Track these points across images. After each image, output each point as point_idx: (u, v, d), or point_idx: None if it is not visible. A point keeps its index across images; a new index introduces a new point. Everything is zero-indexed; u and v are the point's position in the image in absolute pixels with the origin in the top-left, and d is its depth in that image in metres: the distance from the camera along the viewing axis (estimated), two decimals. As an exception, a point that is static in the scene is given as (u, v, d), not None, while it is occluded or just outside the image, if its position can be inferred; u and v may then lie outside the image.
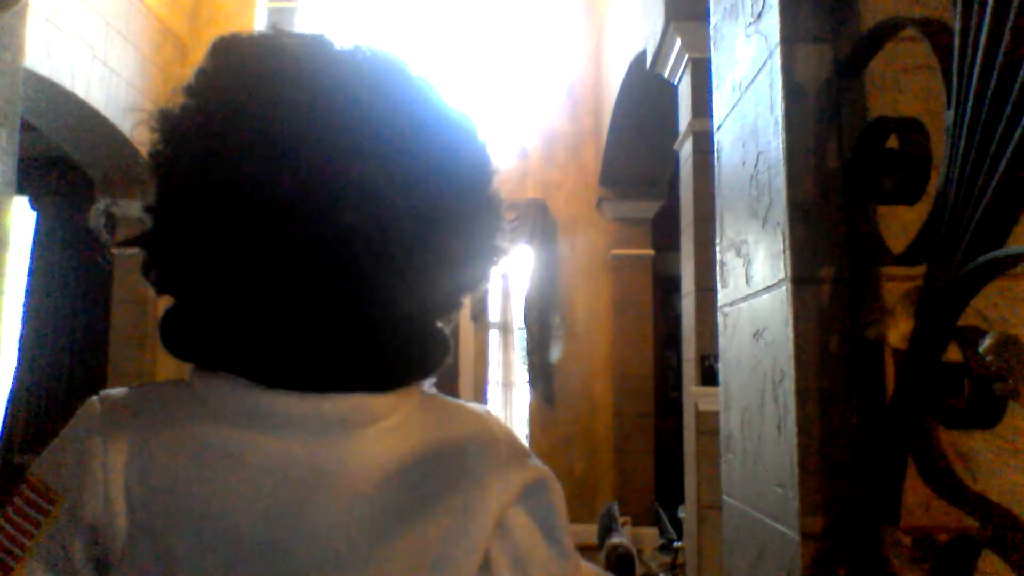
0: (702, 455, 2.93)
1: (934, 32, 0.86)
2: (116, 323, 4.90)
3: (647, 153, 4.89)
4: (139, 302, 4.78)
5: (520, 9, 5.65)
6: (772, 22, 1.06)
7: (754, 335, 1.14)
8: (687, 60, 3.03)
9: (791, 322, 0.98)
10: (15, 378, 5.05)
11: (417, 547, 0.55)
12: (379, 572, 0.54)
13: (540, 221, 5.37)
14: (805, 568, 0.94)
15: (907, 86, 0.98)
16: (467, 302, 0.65)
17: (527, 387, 5.37)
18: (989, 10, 0.73)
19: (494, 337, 5.47)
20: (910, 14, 0.92)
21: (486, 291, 4.77)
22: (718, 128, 1.37)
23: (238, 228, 0.53)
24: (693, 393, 3.00)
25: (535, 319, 5.31)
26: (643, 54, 3.58)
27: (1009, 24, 0.71)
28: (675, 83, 3.24)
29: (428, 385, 0.64)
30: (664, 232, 5.13)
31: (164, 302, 0.60)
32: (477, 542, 0.55)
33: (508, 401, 5.41)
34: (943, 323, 0.81)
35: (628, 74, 4.11)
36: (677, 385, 5.21)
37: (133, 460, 0.54)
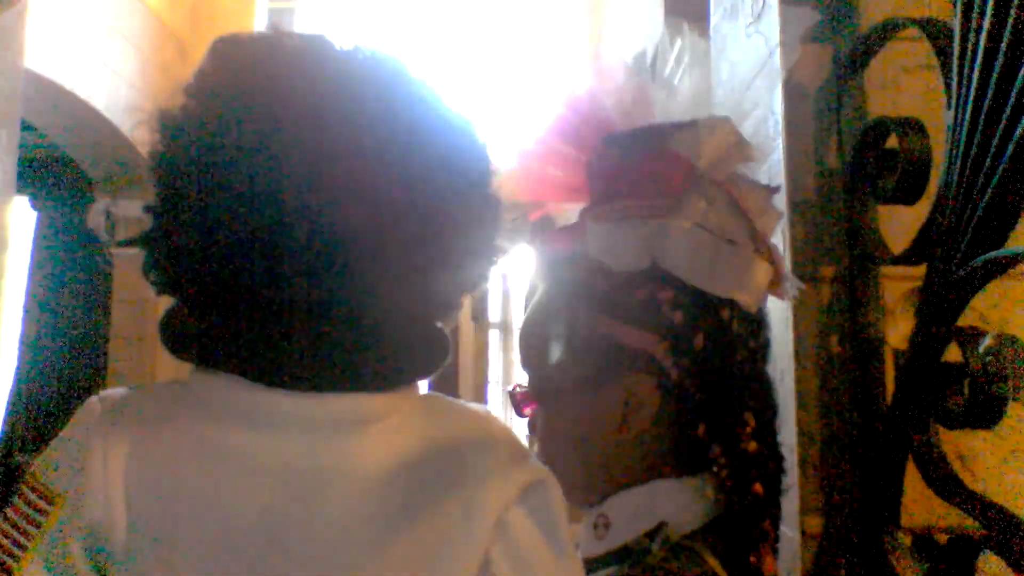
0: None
1: (934, 32, 0.86)
2: (116, 323, 4.89)
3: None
4: (139, 302, 4.77)
5: (520, 10, 5.65)
6: (772, 22, 1.06)
7: (754, 335, 1.14)
8: (687, 60, 3.03)
9: (791, 322, 0.98)
10: (15, 378, 5.05)
11: (417, 547, 0.55)
12: (379, 572, 0.54)
13: (540, 221, 5.36)
14: (805, 568, 0.94)
15: (907, 86, 0.98)
16: (467, 302, 0.65)
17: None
18: (989, 10, 0.73)
19: (494, 337, 5.47)
20: (910, 14, 0.92)
21: (486, 291, 4.76)
22: (718, 128, 1.36)
23: (238, 228, 0.53)
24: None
25: (535, 319, 5.29)
26: (643, 54, 3.58)
27: (1009, 24, 0.71)
28: (674, 83, 3.24)
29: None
30: (664, 232, 5.11)
31: (164, 302, 0.60)
32: (477, 542, 0.55)
33: (508, 401, 5.40)
34: (943, 323, 0.81)
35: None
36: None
37: (133, 460, 0.54)
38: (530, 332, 0.79)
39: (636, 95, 0.79)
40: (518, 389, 0.79)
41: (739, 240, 0.71)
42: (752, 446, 0.70)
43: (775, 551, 0.70)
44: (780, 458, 0.74)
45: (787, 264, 1.00)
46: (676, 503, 0.71)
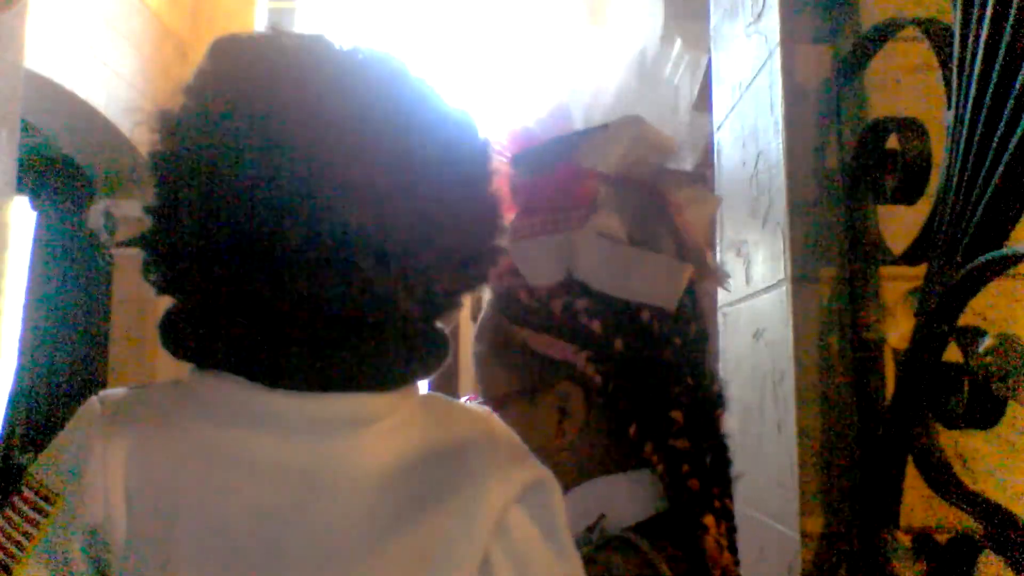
0: (702, 455, 2.92)
1: (934, 32, 0.86)
2: (116, 323, 4.89)
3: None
4: (139, 302, 4.77)
5: (520, 9, 5.65)
6: (772, 22, 1.06)
7: (754, 335, 1.14)
8: (687, 60, 3.03)
9: (791, 322, 0.99)
10: (15, 378, 5.04)
11: (416, 548, 0.55)
12: (378, 572, 0.54)
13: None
14: (805, 568, 0.94)
15: (907, 86, 0.98)
16: (467, 302, 0.65)
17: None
18: (989, 10, 0.73)
19: (494, 337, 5.45)
20: (910, 14, 0.92)
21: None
22: (718, 128, 1.37)
23: (237, 228, 0.53)
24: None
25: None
26: (643, 54, 3.58)
27: (1009, 24, 0.71)
28: (674, 83, 3.24)
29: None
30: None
31: (164, 302, 0.60)
32: (477, 543, 0.55)
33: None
34: (943, 323, 0.81)
35: (628, 74, 4.10)
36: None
37: (133, 460, 0.54)
38: (474, 345, 0.82)
39: (557, 113, 0.81)
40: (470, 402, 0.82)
41: (657, 239, 0.73)
42: (681, 443, 0.70)
43: (730, 543, 0.72)
44: (723, 449, 0.74)
45: (789, 259, 1.00)
46: (617, 496, 0.73)
